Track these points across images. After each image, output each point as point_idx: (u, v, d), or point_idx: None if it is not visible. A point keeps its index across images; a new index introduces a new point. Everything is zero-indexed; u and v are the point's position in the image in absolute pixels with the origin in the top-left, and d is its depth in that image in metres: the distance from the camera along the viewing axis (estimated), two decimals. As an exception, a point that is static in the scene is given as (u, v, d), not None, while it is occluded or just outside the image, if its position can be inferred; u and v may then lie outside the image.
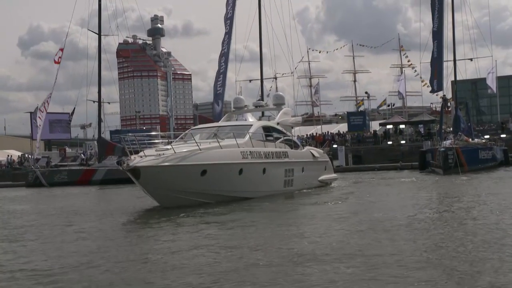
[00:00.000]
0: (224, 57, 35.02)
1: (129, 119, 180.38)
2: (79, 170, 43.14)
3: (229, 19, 35.64)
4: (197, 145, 17.86)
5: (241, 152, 19.18)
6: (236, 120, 25.52)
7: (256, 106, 26.75)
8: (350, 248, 9.30)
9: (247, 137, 20.33)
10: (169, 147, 17.86)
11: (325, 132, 57.13)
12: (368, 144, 51.17)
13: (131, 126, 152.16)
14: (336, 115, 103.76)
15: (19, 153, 67.58)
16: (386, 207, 15.64)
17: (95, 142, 70.59)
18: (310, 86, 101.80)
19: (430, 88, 53.62)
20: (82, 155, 56.25)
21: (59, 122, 72.23)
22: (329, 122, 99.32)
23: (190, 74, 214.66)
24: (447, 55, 35.56)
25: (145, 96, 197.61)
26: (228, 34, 35.32)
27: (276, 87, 63.46)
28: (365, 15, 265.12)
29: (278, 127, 23.47)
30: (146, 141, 19.37)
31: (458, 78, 40.00)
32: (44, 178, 41.91)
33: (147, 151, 17.45)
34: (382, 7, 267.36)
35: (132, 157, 17.13)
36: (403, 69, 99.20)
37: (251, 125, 22.02)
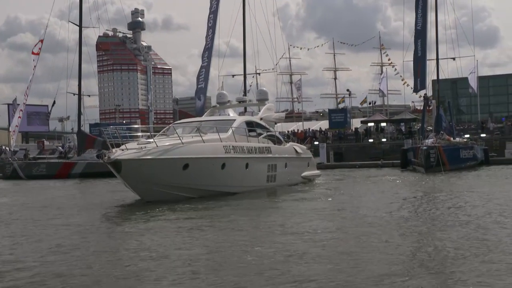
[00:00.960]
0: (207, 51, 34.67)
1: (108, 113, 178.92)
2: (57, 163, 42.49)
3: (212, 13, 35.29)
4: (180, 139, 17.62)
5: (223, 146, 19.00)
6: (219, 115, 25.29)
7: (239, 102, 26.54)
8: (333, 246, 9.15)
9: (230, 131, 20.15)
10: (151, 140, 17.60)
11: (307, 129, 57.04)
12: (349, 141, 51.18)
13: (110, 119, 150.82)
14: (317, 112, 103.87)
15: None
16: (373, 204, 15.52)
17: (74, 135, 69.98)
18: (291, 82, 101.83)
19: (409, 87, 54.03)
20: (60, 148, 55.55)
21: (37, 114, 71.48)
22: (309, 119, 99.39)
23: (170, 69, 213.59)
24: (430, 54, 35.66)
25: (124, 90, 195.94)
26: (212, 28, 34.94)
27: (257, 83, 63.26)
28: (345, 13, 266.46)
29: (261, 122, 23.31)
30: (127, 135, 19.05)
31: (440, 77, 40.19)
32: (22, 171, 41.24)
33: (129, 144, 17.19)
34: (362, 6, 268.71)
35: (114, 150, 16.83)
36: (384, 67, 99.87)
37: (234, 120, 21.82)
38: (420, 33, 32.62)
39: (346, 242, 9.56)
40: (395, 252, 8.53)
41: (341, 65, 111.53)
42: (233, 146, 19.46)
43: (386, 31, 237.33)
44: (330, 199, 17.86)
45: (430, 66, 35.70)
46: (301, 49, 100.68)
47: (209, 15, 35.74)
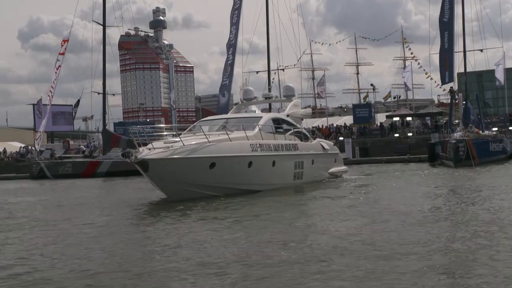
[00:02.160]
0: (231, 48, 34.47)
1: (131, 112, 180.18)
2: (83, 162, 42.78)
3: (236, 10, 35.07)
4: (206, 137, 17.47)
5: (250, 144, 18.81)
6: (246, 112, 25.12)
7: (265, 98, 26.32)
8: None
9: (257, 129, 19.94)
10: (177, 139, 17.47)
11: (330, 125, 56.64)
12: (374, 136, 50.70)
13: (133, 118, 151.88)
14: (341, 107, 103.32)
15: (22, 145, 67.25)
16: (412, 200, 15.14)
17: (97, 134, 70.36)
18: (313, 78, 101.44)
19: (433, 80, 53.35)
20: (83, 147, 55.73)
21: (62, 114, 71.91)
22: (332, 114, 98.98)
23: (192, 67, 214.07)
24: (455, 47, 34.99)
25: (147, 88, 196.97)
26: (236, 25, 34.74)
27: (279, 80, 63.01)
28: (365, 7, 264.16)
29: (288, 119, 23.06)
30: (154, 133, 18.95)
31: (461, 71, 39.62)
32: (49, 170, 41.62)
33: (156, 143, 17.10)
34: (382, 0, 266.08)
35: (140, 149, 16.73)
36: (406, 61, 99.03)
37: (261, 117, 21.63)
38: (447, 25, 32.07)
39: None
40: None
41: (363, 60, 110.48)
42: (259, 144, 19.26)
43: (407, 25, 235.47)
44: (372, 196, 17.17)
45: (458, 58, 35.11)
46: (322, 44, 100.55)
47: (232, 11, 35.56)
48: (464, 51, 35.91)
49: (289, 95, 25.78)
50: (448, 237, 9.35)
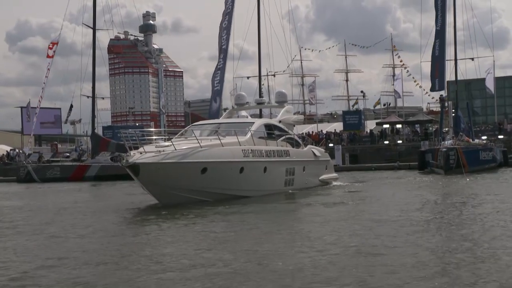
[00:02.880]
0: (223, 53, 34.28)
1: (120, 116, 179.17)
2: (72, 166, 42.41)
3: (227, 15, 34.90)
4: (198, 142, 17.31)
5: (242, 150, 18.69)
6: (238, 117, 24.98)
7: (258, 103, 26.20)
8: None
9: (249, 135, 19.83)
10: (169, 143, 17.31)
11: (320, 131, 56.58)
12: (364, 143, 50.72)
13: (122, 122, 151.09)
14: (331, 113, 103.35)
15: (9, 148, 66.64)
16: (404, 207, 15.04)
17: (85, 138, 69.86)
18: (303, 84, 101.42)
19: (422, 88, 53.42)
20: (67, 154, 54.89)
21: (50, 117, 71.39)
22: (321, 121, 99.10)
23: (182, 71, 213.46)
24: (448, 55, 35.05)
25: (136, 92, 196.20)
26: (227, 30, 34.55)
27: (268, 85, 62.98)
28: (354, 15, 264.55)
29: (280, 125, 22.96)
30: (146, 137, 18.77)
31: (451, 79, 39.75)
32: (36, 174, 41.19)
33: (147, 147, 16.92)
34: (371, 8, 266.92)
35: (132, 153, 16.54)
36: (395, 69, 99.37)
37: (253, 122, 21.52)
38: (439, 33, 32.11)
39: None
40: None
41: (352, 66, 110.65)
42: (251, 150, 19.15)
43: (395, 33, 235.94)
44: (363, 203, 17.03)
45: (448, 66, 35.15)
46: (312, 51, 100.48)
47: (223, 16, 35.38)
48: (455, 59, 36.01)
49: (281, 101, 25.69)
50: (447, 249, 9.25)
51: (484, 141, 36.62)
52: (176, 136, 20.10)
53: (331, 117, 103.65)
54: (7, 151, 60.30)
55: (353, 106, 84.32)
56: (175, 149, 16.65)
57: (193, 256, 8.92)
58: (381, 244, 9.38)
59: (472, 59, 38.63)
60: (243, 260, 8.51)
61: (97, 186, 32.67)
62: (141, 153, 16.44)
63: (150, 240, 10.86)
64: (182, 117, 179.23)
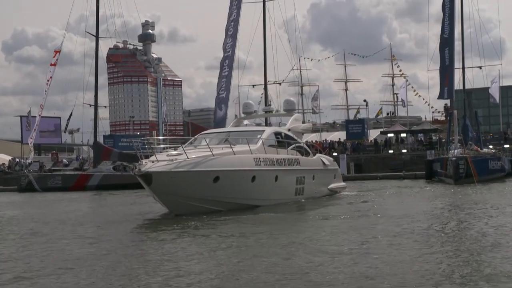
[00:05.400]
0: (227, 60, 33.81)
1: (119, 125, 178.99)
2: (73, 175, 41.91)
3: (233, 22, 34.42)
4: (210, 151, 16.89)
5: (254, 158, 18.29)
6: (245, 125, 24.59)
7: (265, 112, 25.82)
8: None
9: (260, 143, 19.43)
10: (181, 151, 16.89)
11: (324, 140, 56.17)
12: (368, 152, 50.33)
13: (121, 131, 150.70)
14: (333, 122, 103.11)
15: (9, 157, 66.09)
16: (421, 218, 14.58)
17: (84, 148, 69.42)
18: (302, 94, 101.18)
19: (421, 97, 53.11)
20: (65, 161, 54.37)
21: (49, 126, 70.86)
22: (318, 130, 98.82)
23: (181, 80, 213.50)
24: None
25: (135, 101, 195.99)
26: (232, 37, 34.11)
27: (266, 95, 62.79)
28: (350, 26, 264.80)
29: (290, 133, 22.56)
30: (155, 146, 18.30)
31: (457, 88, 39.30)
32: (37, 183, 40.64)
33: (159, 156, 16.49)
34: (366, 18, 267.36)
35: (144, 161, 16.12)
36: (395, 78, 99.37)
37: (263, 130, 21.12)
38: (447, 41, 31.75)
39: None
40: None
41: (350, 76, 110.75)
42: (263, 158, 18.76)
43: (392, 43, 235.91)
44: (379, 215, 15.95)
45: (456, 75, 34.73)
46: (311, 60, 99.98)
47: (228, 23, 34.95)
48: (463, 68, 35.70)
49: (290, 109, 25.33)
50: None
51: (493, 150, 36.23)
52: (185, 145, 19.67)
53: (329, 126, 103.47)
54: (9, 160, 59.78)
55: (355, 115, 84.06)
56: (187, 158, 16.25)
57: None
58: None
59: (480, 67, 38.36)
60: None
61: (99, 195, 32.17)
62: (153, 161, 16.02)
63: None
64: (181, 126, 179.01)
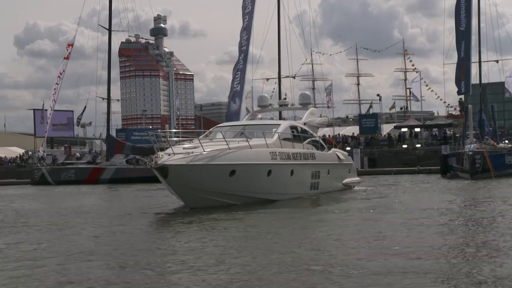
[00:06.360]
0: (242, 54, 33.58)
1: (131, 118, 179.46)
2: (87, 168, 42.01)
3: (247, 14, 34.17)
4: (227, 144, 16.75)
5: (270, 152, 18.11)
6: (261, 119, 24.41)
7: (280, 105, 25.64)
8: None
9: (276, 136, 19.26)
10: (197, 144, 16.76)
11: (337, 134, 55.89)
12: (381, 147, 50.04)
13: (132, 125, 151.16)
14: (346, 117, 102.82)
15: (22, 151, 66.40)
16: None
17: (95, 141, 69.53)
18: (314, 88, 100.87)
19: (433, 92, 52.59)
20: (77, 154, 54.49)
21: (62, 119, 71.06)
22: (331, 125, 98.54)
23: (192, 75, 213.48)
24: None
25: (146, 95, 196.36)
26: (247, 30, 33.91)
27: (279, 89, 62.59)
28: (361, 20, 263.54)
29: (305, 127, 22.37)
30: (168, 139, 18.18)
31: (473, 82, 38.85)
32: (51, 176, 40.78)
33: (175, 148, 16.35)
34: (377, 13, 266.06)
35: (160, 154, 16.00)
36: (407, 73, 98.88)
37: (279, 124, 20.95)
38: (464, 35, 31.28)
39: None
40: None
41: (361, 71, 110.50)
42: (279, 152, 18.59)
43: (403, 38, 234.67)
44: (404, 208, 15.67)
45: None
46: (323, 54, 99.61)
47: (243, 15, 34.70)
48: (480, 62, 35.30)
49: (305, 103, 25.14)
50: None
51: (509, 145, 35.84)
52: (200, 138, 19.53)
53: (342, 121, 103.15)
54: (20, 154, 60.06)
55: (368, 110, 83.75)
56: (204, 151, 16.12)
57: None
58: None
59: (497, 61, 37.97)
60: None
61: (112, 189, 32.14)
62: (169, 154, 15.90)
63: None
64: (192, 121, 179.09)
